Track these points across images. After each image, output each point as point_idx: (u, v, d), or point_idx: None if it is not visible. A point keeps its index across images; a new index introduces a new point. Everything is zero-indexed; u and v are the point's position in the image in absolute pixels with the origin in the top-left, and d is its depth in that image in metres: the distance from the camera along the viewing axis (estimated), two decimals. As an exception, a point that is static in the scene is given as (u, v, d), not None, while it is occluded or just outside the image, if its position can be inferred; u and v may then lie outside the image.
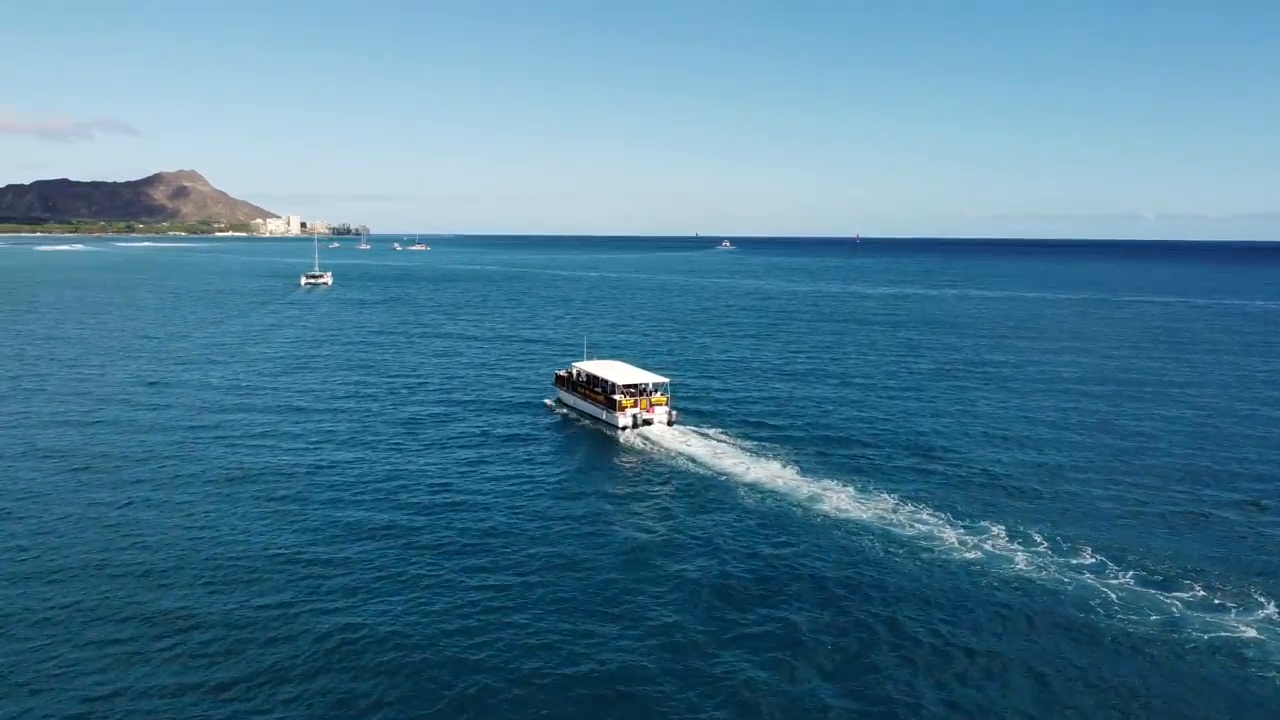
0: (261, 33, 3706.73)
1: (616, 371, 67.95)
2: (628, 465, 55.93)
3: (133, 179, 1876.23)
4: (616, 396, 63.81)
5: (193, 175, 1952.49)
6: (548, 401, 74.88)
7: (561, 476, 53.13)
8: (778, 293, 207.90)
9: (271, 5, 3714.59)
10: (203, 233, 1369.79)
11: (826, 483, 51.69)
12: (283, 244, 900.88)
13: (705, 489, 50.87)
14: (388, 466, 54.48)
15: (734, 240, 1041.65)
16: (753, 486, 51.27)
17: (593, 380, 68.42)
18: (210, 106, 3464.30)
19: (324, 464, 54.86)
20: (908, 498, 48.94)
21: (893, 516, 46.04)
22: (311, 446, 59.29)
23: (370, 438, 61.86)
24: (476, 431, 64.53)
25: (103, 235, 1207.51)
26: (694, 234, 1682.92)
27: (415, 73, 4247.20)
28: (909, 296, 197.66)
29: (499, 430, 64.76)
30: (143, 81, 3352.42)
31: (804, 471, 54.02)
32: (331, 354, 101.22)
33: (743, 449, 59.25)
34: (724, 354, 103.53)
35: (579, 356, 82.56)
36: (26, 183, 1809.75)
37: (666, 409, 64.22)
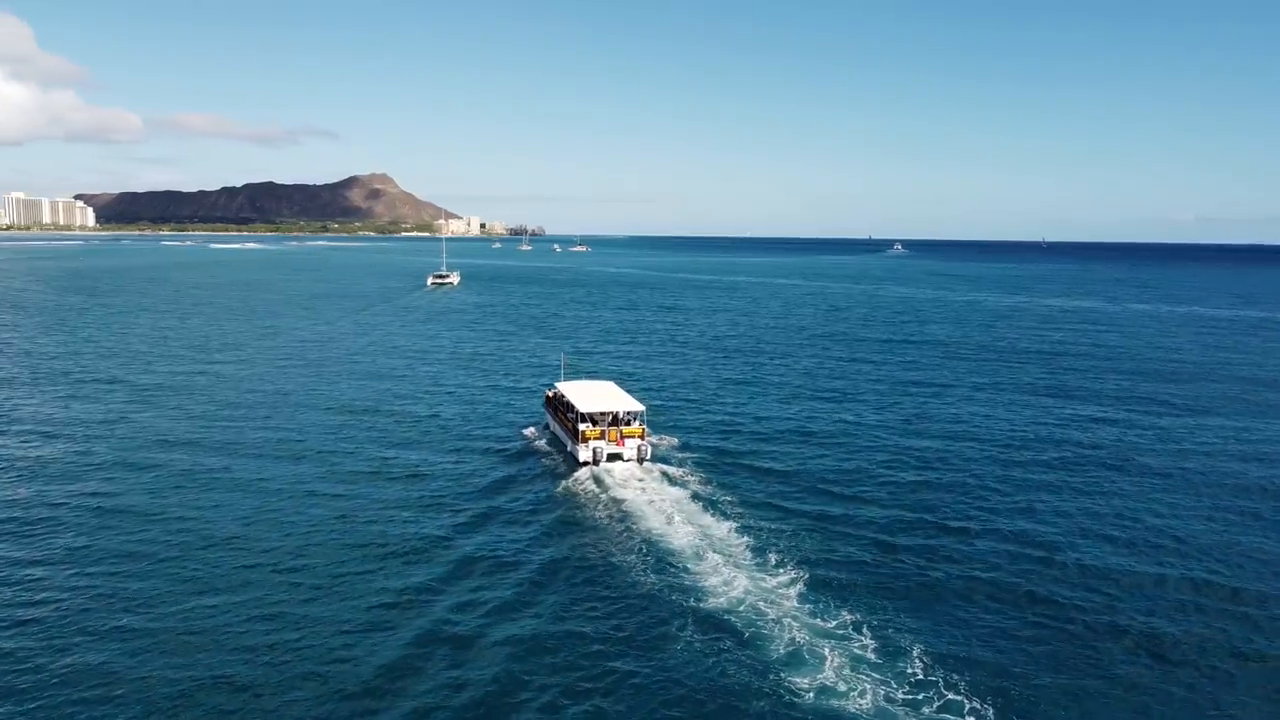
0: (455, 42, 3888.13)
1: (590, 395, 57.66)
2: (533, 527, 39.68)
3: (330, 181, 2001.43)
4: (580, 426, 53.67)
5: (384, 178, 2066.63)
6: (526, 432, 63.10)
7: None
8: (924, 302, 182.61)
9: (464, 16, 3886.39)
10: (390, 233, 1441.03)
11: (827, 621, 33.76)
12: (455, 243, 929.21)
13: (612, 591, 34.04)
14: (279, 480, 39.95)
15: (907, 243, 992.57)
16: (696, 610, 34.45)
17: (567, 405, 57.74)
18: (403, 112, 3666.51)
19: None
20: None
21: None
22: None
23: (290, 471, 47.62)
24: (412, 468, 51.97)
25: (300, 234, 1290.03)
26: (867, 236, 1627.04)
27: (600, 74, 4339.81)
28: (1083, 315, 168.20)
29: (450, 467, 50.32)
30: (345, 91, 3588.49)
31: (803, 597, 35.66)
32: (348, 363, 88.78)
33: (720, 514, 45.46)
34: (788, 377, 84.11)
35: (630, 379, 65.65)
36: (238, 185, 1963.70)
37: (639, 442, 53.85)
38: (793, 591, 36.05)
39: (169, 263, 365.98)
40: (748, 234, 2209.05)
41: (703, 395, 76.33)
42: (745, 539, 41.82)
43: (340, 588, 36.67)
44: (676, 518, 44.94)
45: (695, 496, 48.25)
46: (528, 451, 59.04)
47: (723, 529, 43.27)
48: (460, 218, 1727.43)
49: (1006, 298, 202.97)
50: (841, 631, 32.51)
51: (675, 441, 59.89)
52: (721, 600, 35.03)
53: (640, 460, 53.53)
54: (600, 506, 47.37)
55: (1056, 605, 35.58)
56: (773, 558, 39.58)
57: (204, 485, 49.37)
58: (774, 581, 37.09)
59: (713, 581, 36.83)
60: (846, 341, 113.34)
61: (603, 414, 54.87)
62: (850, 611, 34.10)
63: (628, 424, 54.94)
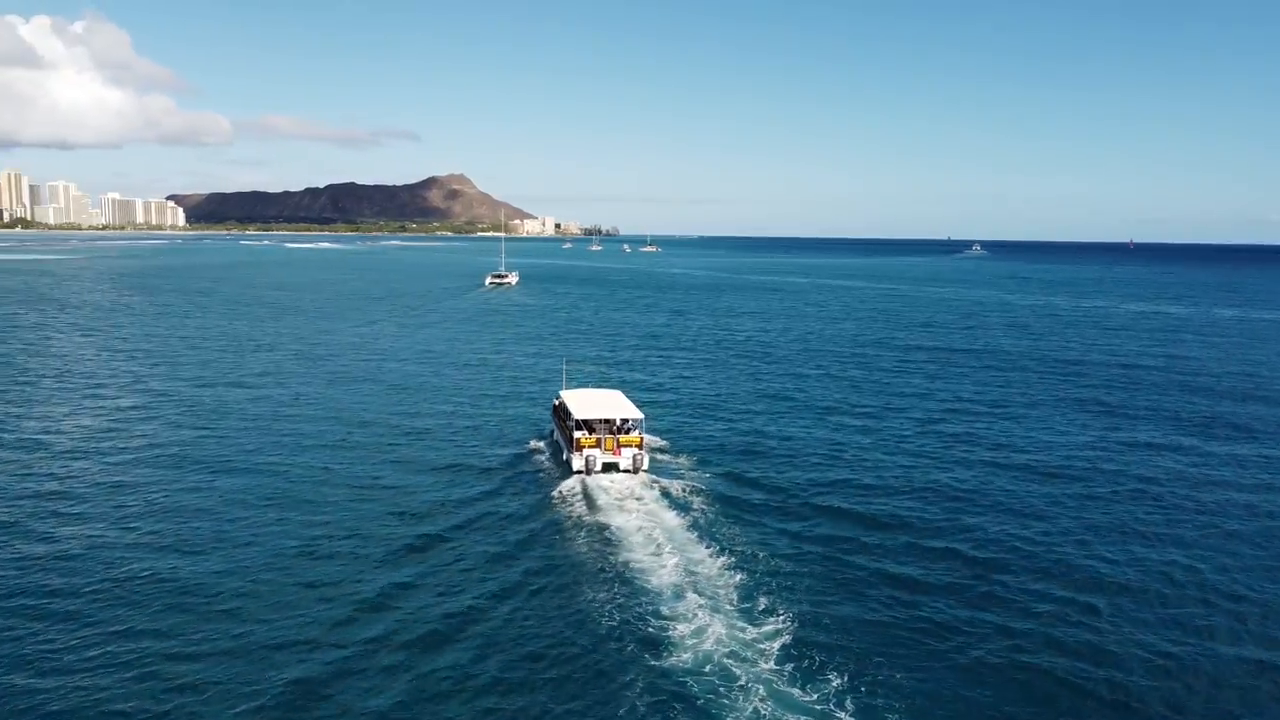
0: (534, 44, 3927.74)
1: (589, 402, 55.38)
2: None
3: (410, 182, 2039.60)
4: (576, 434, 51.67)
5: (461, 179, 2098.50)
6: (532, 443, 60.10)
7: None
8: (992, 306, 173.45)
9: (543, 19, 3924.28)
10: (466, 232, 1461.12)
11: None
12: (526, 243, 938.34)
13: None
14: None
15: (988, 244, 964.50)
16: (653, 668, 29.94)
17: (567, 413, 55.40)
18: (482, 113, 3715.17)
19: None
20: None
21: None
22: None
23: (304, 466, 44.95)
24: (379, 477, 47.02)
25: (379, 234, 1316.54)
26: (946, 237, 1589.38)
27: (679, 75, 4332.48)
28: (1162, 321, 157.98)
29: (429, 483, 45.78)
30: (428, 93, 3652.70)
31: (786, 656, 30.80)
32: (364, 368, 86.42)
33: (714, 545, 41.04)
34: (828, 389, 78.06)
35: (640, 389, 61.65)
36: (321, 186, 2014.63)
37: (635, 451, 51.04)
38: (774, 647, 31.39)
39: (241, 261, 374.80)
40: (823, 235, 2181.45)
41: (732, 408, 71.66)
42: (737, 577, 37.30)
43: (266, 598, 34.26)
44: (666, 547, 40.76)
45: (693, 523, 43.84)
46: (527, 460, 56.02)
47: (714, 565, 38.79)
48: (535, 218, 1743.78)
49: (1082, 302, 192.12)
50: (820, 707, 27.72)
51: (689, 459, 55.69)
52: (686, 656, 30.61)
53: (636, 470, 50.62)
54: (584, 530, 43.46)
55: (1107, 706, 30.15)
56: (762, 601, 35.00)
57: (187, 487, 46.78)
58: (755, 633, 32.48)
59: (682, 630, 32.40)
60: (899, 350, 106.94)
61: (599, 421, 52.68)
62: (839, 677, 29.26)
63: (626, 432, 52.39)
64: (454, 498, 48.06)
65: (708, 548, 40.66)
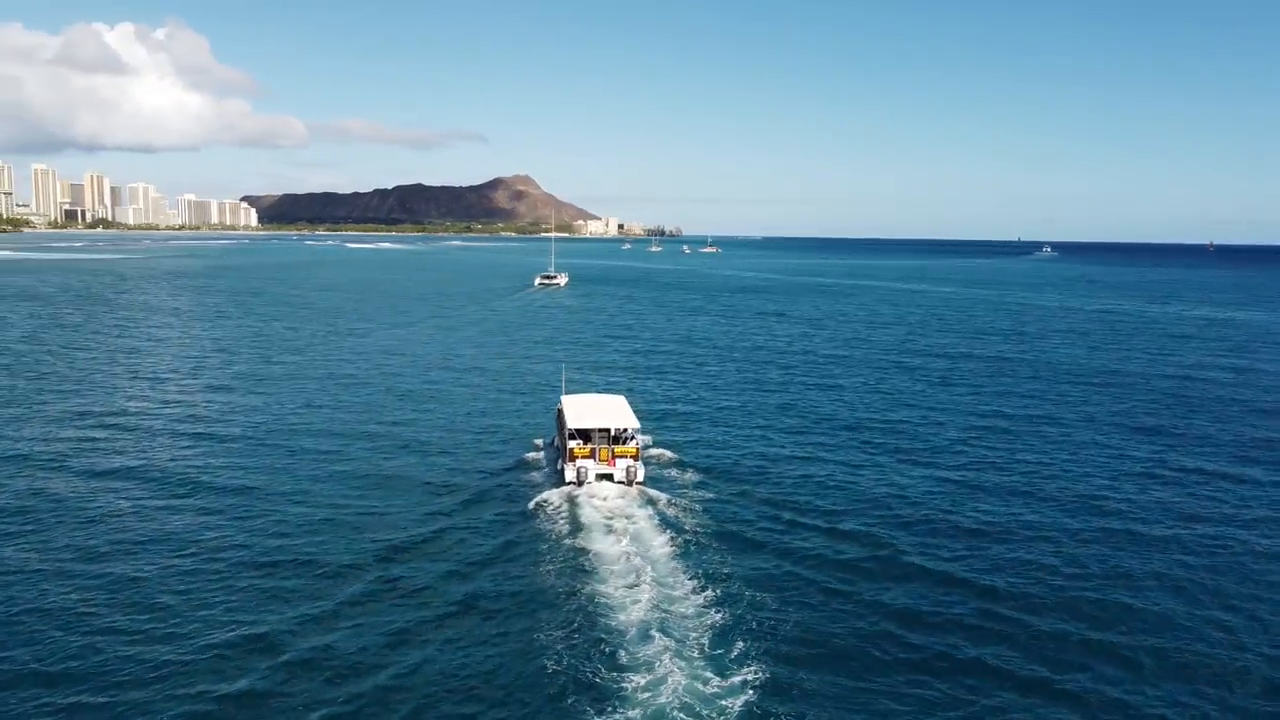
0: (598, 45, 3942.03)
1: (586, 410, 53.00)
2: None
3: (475, 183, 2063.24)
4: (570, 444, 49.40)
5: (526, 180, 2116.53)
6: (530, 455, 56.64)
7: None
8: (1053, 311, 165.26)
9: (609, 20, 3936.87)
10: (530, 233, 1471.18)
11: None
12: (586, 244, 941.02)
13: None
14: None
15: (1059, 246, 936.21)
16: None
17: (563, 420, 53.35)
18: (547, 115, 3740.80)
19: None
20: None
21: None
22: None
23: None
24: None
25: (444, 234, 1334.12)
26: (1015, 239, 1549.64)
27: (743, 76, 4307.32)
28: (1235, 328, 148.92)
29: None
30: (495, 95, 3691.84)
31: (749, 715, 27.16)
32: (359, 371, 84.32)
33: (699, 577, 37.21)
34: (862, 403, 73.08)
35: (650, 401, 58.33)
36: (389, 187, 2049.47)
37: (630, 463, 48.46)
38: (736, 705, 27.72)
39: (300, 261, 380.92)
40: (888, 236, 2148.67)
41: (754, 420, 67.59)
42: (716, 616, 33.54)
43: (194, 609, 32.43)
44: (645, 576, 37.14)
45: (680, 549, 40.16)
46: (522, 469, 53.40)
47: (692, 601, 35.00)
48: (599, 218, 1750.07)
49: (1151, 307, 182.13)
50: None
51: (695, 474, 52.14)
52: (634, 713, 27.11)
53: (630, 482, 47.96)
54: (559, 550, 40.26)
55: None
56: (738, 646, 31.21)
57: (168, 490, 44.72)
58: (719, 685, 28.74)
59: (637, 681, 28.74)
60: (946, 359, 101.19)
61: (595, 430, 50.25)
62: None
63: (623, 442, 49.75)
64: (432, 509, 45.59)
65: (690, 579, 37.05)
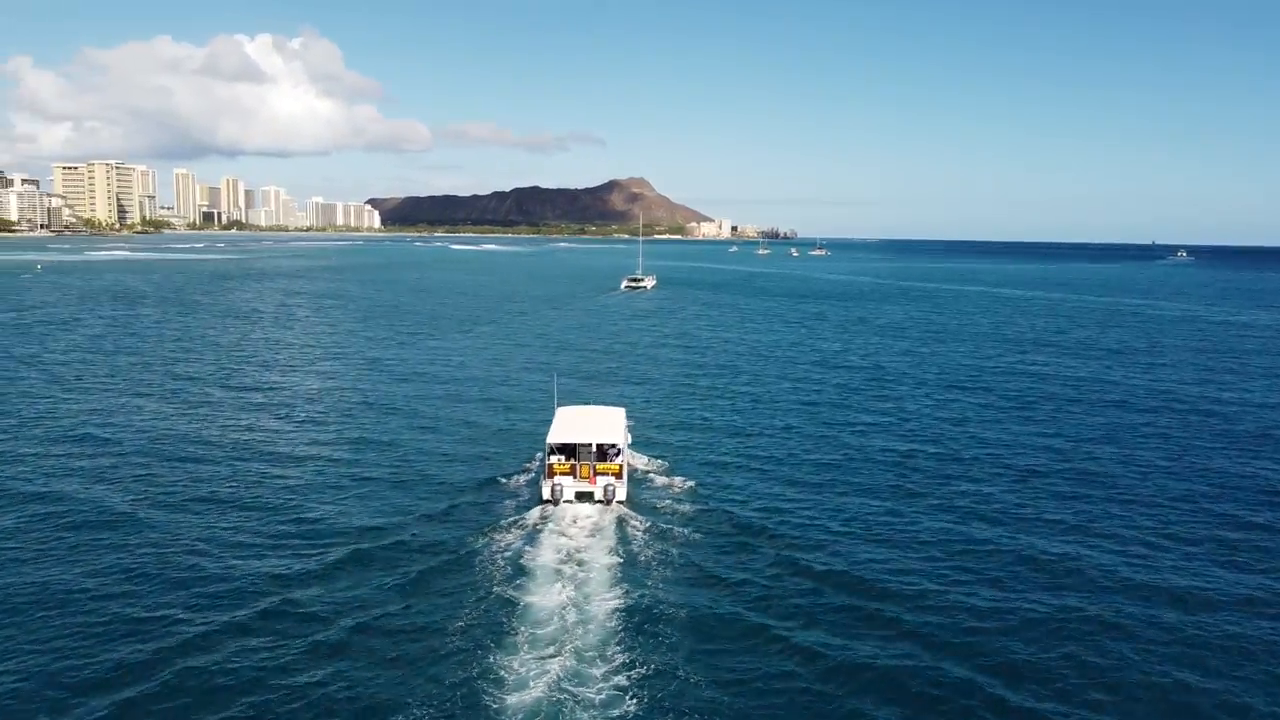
0: (715, 46, 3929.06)
1: (572, 422, 50.25)
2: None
3: (591, 185, 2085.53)
4: (550, 459, 46.28)
5: (641, 182, 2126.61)
6: (525, 466, 54.01)
7: None
8: (1173, 320, 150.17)
9: (726, 21, 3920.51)
10: (644, 235, 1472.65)
11: None
12: (692, 245, 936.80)
13: None
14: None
15: (1194, 250, 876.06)
16: None
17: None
18: (663, 117, 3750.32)
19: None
20: None
21: None
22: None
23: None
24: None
25: (556, 235, 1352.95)
26: (1150, 242, 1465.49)
27: (860, 75, 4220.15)
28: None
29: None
30: (613, 98, 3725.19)
31: None
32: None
33: (654, 640, 32.01)
34: (921, 433, 64.36)
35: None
36: (507, 189, 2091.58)
37: (610, 481, 45.07)
38: None
39: (401, 262, 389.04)
40: (1011, 239, 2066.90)
41: (781, 447, 60.25)
42: (657, 691, 28.03)
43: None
44: (569, 636, 31.77)
45: (631, 605, 34.26)
46: (506, 485, 49.60)
47: (644, 667, 29.74)
48: (712, 220, 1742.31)
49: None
50: None
51: (692, 506, 46.31)
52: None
53: (608, 502, 44.63)
54: (489, 590, 35.22)
55: None
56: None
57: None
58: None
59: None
60: (1028, 379, 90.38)
61: (578, 445, 47.08)
62: None
63: (608, 458, 46.54)
64: (390, 522, 43.45)
65: (621, 648, 31.05)
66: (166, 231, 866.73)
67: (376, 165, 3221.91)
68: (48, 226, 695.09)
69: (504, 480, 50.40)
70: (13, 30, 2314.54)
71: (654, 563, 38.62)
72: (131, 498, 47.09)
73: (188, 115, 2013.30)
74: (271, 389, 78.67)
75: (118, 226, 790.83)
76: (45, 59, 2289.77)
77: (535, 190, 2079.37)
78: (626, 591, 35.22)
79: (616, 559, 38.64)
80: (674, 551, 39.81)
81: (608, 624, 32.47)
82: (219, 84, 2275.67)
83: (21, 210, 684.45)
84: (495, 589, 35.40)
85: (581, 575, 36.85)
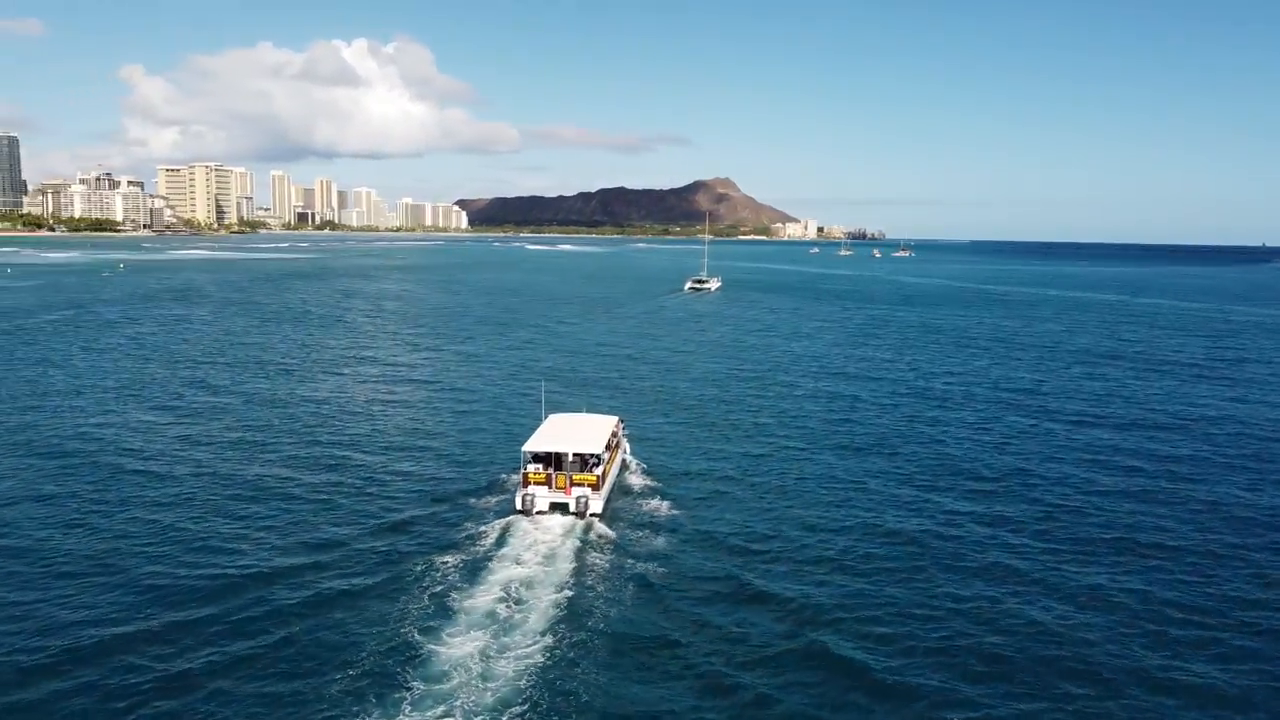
0: (803, 47, 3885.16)
1: (554, 430, 48.41)
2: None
3: (676, 186, 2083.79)
4: (527, 467, 44.75)
5: (727, 183, 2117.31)
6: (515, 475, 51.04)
7: None
8: (1273, 329, 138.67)
9: (813, 21, 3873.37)
10: (729, 236, 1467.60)
11: None
12: (773, 246, 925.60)
13: None
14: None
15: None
16: None
17: None
18: (748, 117, 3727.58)
19: None
20: None
21: None
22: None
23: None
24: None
25: (639, 236, 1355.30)
26: (1260, 244, 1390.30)
27: (952, 72, 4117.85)
28: None
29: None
30: (699, 98, 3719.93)
31: None
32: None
33: (589, 655, 30.52)
34: (963, 457, 58.12)
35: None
36: (593, 190, 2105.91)
37: (585, 492, 42.98)
38: None
39: (475, 262, 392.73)
40: (1109, 240, 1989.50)
41: (793, 471, 54.68)
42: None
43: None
44: (496, 677, 28.52)
45: (580, 641, 30.99)
46: (486, 494, 47.43)
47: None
48: (798, 221, 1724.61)
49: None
50: None
51: (671, 539, 42.10)
52: None
53: (581, 514, 42.54)
54: (396, 651, 30.93)
55: None
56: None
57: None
58: None
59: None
60: (1091, 400, 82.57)
61: (554, 454, 45.17)
62: None
63: (584, 468, 44.60)
64: (357, 531, 42.15)
65: (526, 705, 27.21)
66: (262, 231, 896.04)
67: (466, 166, 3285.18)
68: (150, 226, 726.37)
69: (481, 490, 47.81)
70: (126, 40, 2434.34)
71: (599, 599, 34.62)
72: (78, 502, 45.20)
73: (286, 118, 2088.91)
74: (277, 393, 77.10)
75: (215, 226, 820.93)
76: (155, 66, 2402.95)
77: (621, 191, 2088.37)
78: (552, 640, 31.16)
79: (560, 594, 34.75)
80: (628, 586, 35.83)
81: (516, 681, 28.54)
82: (317, 88, 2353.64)
83: (126, 210, 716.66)
84: (404, 628, 31.89)
85: (510, 615, 32.83)
